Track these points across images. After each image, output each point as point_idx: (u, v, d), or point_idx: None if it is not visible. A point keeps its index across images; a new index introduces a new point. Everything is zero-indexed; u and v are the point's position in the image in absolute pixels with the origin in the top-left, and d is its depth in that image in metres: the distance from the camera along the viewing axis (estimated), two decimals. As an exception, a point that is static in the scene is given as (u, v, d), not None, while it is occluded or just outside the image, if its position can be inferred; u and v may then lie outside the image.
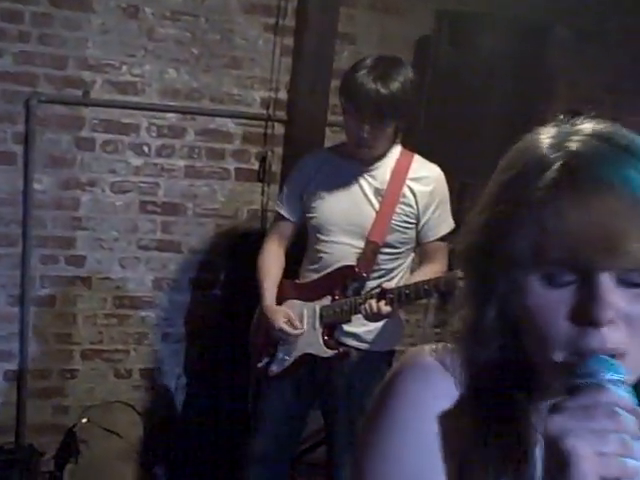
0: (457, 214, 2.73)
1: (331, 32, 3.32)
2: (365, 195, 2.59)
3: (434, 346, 0.88)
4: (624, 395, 0.70)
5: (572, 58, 3.62)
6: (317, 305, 2.65)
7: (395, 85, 2.44)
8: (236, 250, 3.44)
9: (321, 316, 2.64)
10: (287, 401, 2.74)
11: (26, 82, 3.08)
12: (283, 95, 3.42)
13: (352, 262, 2.59)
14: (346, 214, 2.60)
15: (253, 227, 3.45)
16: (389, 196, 2.56)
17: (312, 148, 3.01)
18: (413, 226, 2.61)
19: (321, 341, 2.64)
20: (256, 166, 3.45)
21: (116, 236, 3.31)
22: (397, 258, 2.63)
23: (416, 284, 2.46)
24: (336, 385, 2.66)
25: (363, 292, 2.59)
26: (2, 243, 3.17)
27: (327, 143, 3.24)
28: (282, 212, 2.75)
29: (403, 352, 0.94)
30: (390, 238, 2.58)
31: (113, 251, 3.32)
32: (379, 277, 2.60)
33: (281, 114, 3.43)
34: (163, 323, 3.46)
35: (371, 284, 2.59)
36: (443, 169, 2.64)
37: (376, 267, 2.60)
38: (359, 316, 2.54)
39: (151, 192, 3.33)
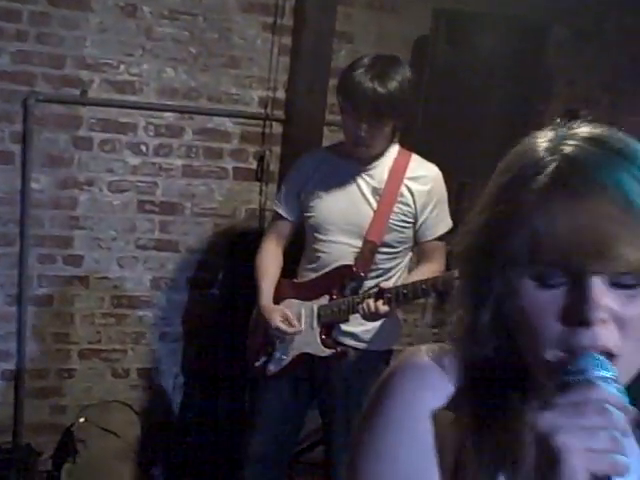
0: (455, 213, 2.73)
1: (329, 31, 3.32)
2: (363, 194, 2.59)
3: (431, 346, 0.88)
4: (614, 392, 0.70)
5: (570, 58, 3.63)
6: (315, 304, 2.65)
7: (393, 84, 2.44)
8: (234, 249, 3.44)
9: (319, 315, 2.64)
10: (285, 400, 2.74)
11: (24, 81, 3.08)
12: (281, 94, 3.42)
13: (350, 261, 2.59)
14: (344, 213, 2.60)
15: (251, 226, 3.45)
16: (387, 195, 2.56)
17: (310, 147, 3.01)
18: (411, 225, 2.61)
19: (319, 340, 2.64)
20: (254, 165, 3.45)
21: (114, 235, 3.31)
22: (395, 257, 2.63)
23: (414, 284, 2.46)
24: (334, 385, 2.65)
25: (361, 291, 2.58)
26: (0, 242, 3.17)
27: (325, 142, 3.24)
28: (280, 211, 2.75)
29: (401, 352, 0.94)
30: (388, 237, 2.58)
31: (111, 250, 3.32)
32: (377, 276, 2.60)
33: (279, 113, 3.42)
34: (161, 322, 3.46)
35: (369, 283, 2.59)
36: (441, 168, 2.64)
37: (374, 266, 2.60)
38: (357, 315, 2.54)
39: (149, 191, 3.33)
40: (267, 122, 3.41)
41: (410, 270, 2.70)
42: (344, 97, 2.51)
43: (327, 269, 2.63)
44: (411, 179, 2.59)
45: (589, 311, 0.73)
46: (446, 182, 2.65)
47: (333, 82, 2.99)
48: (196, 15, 3.25)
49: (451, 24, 3.21)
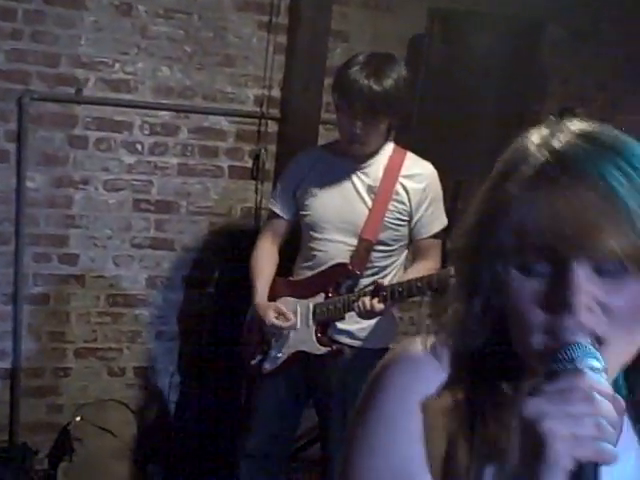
0: (450, 212, 2.73)
1: (324, 30, 3.32)
2: (358, 193, 2.59)
3: (426, 337, 0.89)
4: (602, 381, 0.71)
5: (566, 57, 3.63)
6: (310, 302, 2.65)
7: (388, 82, 2.44)
8: (230, 248, 3.44)
9: (314, 313, 2.64)
10: (281, 398, 2.74)
11: (18, 80, 3.07)
12: (276, 93, 3.42)
13: (345, 260, 2.60)
14: (339, 212, 2.60)
15: (247, 225, 3.45)
16: (382, 193, 2.57)
17: (305, 146, 3.01)
18: (406, 223, 2.61)
19: (314, 338, 2.64)
20: (250, 164, 3.45)
21: (109, 234, 3.31)
22: (390, 255, 2.63)
23: (409, 281, 2.46)
24: (330, 383, 2.66)
25: (356, 290, 2.59)
26: (-5, 241, 3.17)
27: (320, 141, 3.24)
28: (276, 210, 2.75)
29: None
30: (383, 236, 2.58)
31: (106, 249, 3.32)
32: (372, 275, 2.61)
33: (274, 112, 3.42)
34: (157, 321, 3.45)
35: (364, 282, 2.60)
36: (436, 167, 2.64)
37: (369, 265, 2.60)
38: (352, 314, 2.54)
39: (144, 190, 3.32)
40: (263, 121, 3.41)
41: (406, 268, 2.71)
42: (339, 95, 2.52)
43: (323, 267, 2.64)
44: (406, 177, 2.59)
45: (572, 296, 0.74)
46: (441, 180, 2.66)
47: (328, 81, 3.00)
48: (191, 14, 3.25)
49: (446, 23, 3.21)
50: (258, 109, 3.40)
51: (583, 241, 0.74)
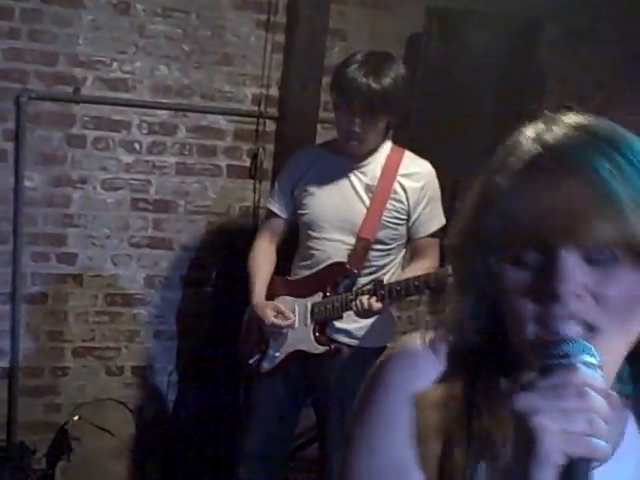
0: (448, 210, 2.73)
1: (322, 29, 3.32)
2: (356, 191, 2.59)
3: (425, 332, 0.89)
4: (596, 377, 0.70)
5: (563, 55, 3.63)
6: (308, 301, 2.65)
7: (386, 80, 2.44)
8: (228, 247, 3.44)
9: (312, 312, 2.64)
10: (279, 398, 2.74)
11: (16, 79, 3.07)
12: (274, 92, 3.41)
13: (343, 259, 2.60)
14: (337, 210, 2.60)
15: (245, 224, 3.45)
16: (380, 192, 2.57)
17: (303, 145, 3.01)
18: (404, 222, 2.61)
19: (312, 337, 2.64)
20: (248, 163, 3.45)
21: (107, 233, 3.30)
22: (388, 254, 2.63)
23: (407, 280, 2.46)
24: (328, 382, 2.66)
25: (354, 289, 2.59)
26: (-7, 240, 3.17)
27: (318, 140, 3.23)
28: (273, 209, 2.75)
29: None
30: (381, 234, 2.58)
31: (104, 248, 3.31)
32: (370, 274, 2.61)
33: (272, 111, 3.42)
34: (155, 320, 3.45)
35: (362, 281, 2.60)
36: (434, 166, 2.64)
37: (367, 264, 2.60)
38: (350, 313, 2.54)
39: (142, 189, 3.32)
40: (261, 120, 3.41)
41: (404, 267, 2.71)
42: (338, 93, 2.52)
43: (320, 266, 2.63)
44: (404, 176, 2.59)
45: (561, 285, 0.74)
46: (439, 179, 2.66)
47: (326, 79, 2.99)
48: (189, 12, 3.24)
49: (444, 22, 3.21)
50: (256, 108, 3.40)
51: (571, 229, 0.74)
